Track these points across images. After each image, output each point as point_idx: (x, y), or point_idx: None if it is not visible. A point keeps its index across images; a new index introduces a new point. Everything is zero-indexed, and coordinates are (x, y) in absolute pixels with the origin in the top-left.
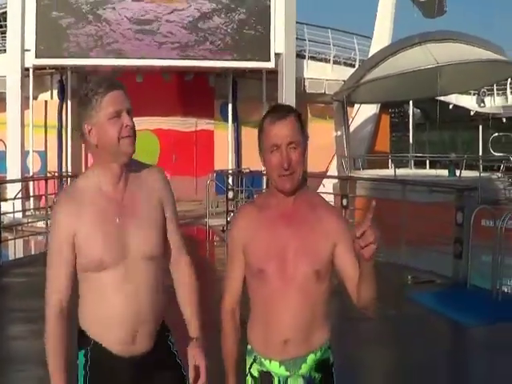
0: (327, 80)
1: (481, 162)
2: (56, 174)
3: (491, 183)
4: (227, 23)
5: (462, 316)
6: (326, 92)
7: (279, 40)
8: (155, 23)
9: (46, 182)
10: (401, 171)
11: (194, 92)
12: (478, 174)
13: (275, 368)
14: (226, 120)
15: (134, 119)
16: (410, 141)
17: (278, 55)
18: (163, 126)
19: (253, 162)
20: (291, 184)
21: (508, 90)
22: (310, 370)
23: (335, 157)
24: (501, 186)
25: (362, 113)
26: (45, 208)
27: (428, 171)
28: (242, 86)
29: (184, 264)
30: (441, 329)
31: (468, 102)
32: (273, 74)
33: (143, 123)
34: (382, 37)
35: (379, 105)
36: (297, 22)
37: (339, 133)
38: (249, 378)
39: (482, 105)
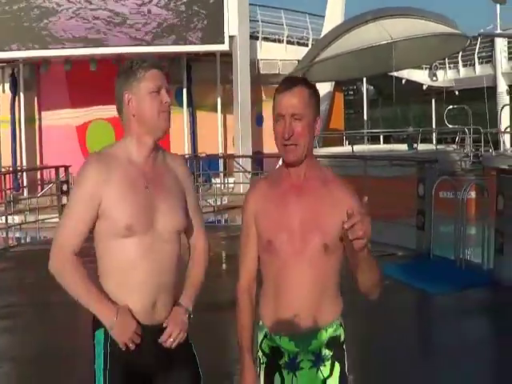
0: (281, 60)
1: (436, 134)
2: (11, 169)
3: (447, 155)
4: (179, 7)
5: (428, 285)
6: (281, 72)
7: (233, 22)
8: (104, 10)
9: (2, 177)
10: (358, 147)
11: None
12: (434, 147)
13: (285, 343)
14: (181, 105)
15: (89, 108)
16: (365, 117)
17: (231, 37)
18: (117, 114)
19: (209, 146)
20: (294, 155)
21: (460, 63)
22: (321, 347)
23: None
24: (457, 157)
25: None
26: (2, 203)
27: (384, 146)
28: (196, 70)
29: (199, 246)
30: (408, 298)
31: (420, 76)
32: (226, 56)
33: (97, 112)
34: (334, 15)
35: (333, 83)
36: (249, 4)
37: None
38: (260, 354)
39: (435, 79)
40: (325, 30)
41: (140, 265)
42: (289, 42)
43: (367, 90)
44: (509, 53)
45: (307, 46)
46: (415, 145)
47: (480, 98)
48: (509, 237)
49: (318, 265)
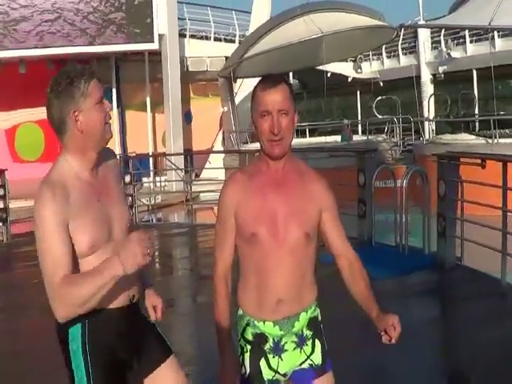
0: (209, 57)
1: (367, 125)
2: None
3: (379, 145)
4: (108, 8)
5: (372, 270)
6: (208, 69)
7: (162, 21)
8: (32, 12)
9: None
10: (294, 141)
11: None
12: (365, 138)
13: (269, 328)
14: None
15: (18, 112)
16: None
17: (161, 36)
18: (46, 117)
19: (139, 145)
20: (280, 149)
21: (384, 55)
22: (302, 328)
23: (220, 133)
24: (387, 147)
25: (245, 87)
26: None
27: (318, 139)
28: (124, 70)
29: None
30: None
31: (345, 69)
32: (155, 55)
33: (26, 115)
34: (260, 11)
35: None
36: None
37: (226, 109)
38: (243, 343)
39: (359, 71)
40: (252, 26)
41: None
42: (216, 39)
43: (293, 83)
44: (432, 43)
45: (234, 42)
46: (350, 136)
47: (404, 88)
48: (451, 220)
49: (299, 252)
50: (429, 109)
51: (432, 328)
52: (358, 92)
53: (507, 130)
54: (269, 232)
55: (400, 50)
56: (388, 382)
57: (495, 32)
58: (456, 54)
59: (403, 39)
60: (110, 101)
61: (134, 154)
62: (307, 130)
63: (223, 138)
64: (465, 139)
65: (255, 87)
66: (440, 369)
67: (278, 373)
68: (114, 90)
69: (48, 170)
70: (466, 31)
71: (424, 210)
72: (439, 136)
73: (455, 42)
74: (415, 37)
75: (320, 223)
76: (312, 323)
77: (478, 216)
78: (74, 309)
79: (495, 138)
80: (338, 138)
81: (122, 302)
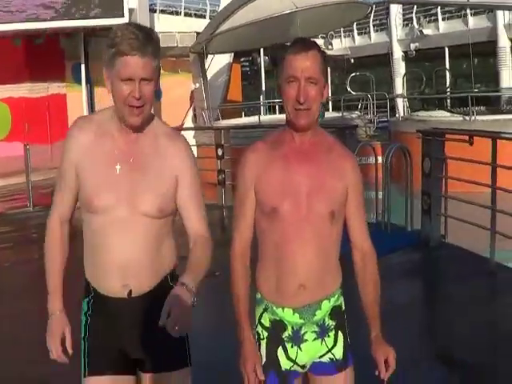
0: (179, 33)
1: (342, 102)
2: None
3: (353, 122)
4: None
5: None
6: (179, 45)
7: None
8: None
9: None
10: (264, 118)
11: (44, 56)
12: (337, 114)
13: (288, 316)
14: (79, 82)
15: None
16: (263, 88)
17: (131, 10)
18: (13, 94)
19: None
20: (306, 120)
21: (355, 32)
22: (324, 317)
23: (190, 110)
24: (361, 123)
25: (216, 63)
26: None
27: None
28: (93, 45)
29: (200, 240)
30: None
31: None
32: None
33: None
34: None
35: (232, 54)
36: None
37: (197, 85)
38: (259, 328)
39: (330, 47)
40: (223, 1)
41: (104, 245)
42: (186, 14)
43: (264, 60)
44: (403, 20)
45: (205, 17)
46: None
47: (375, 65)
48: (436, 198)
49: (322, 233)
50: (404, 85)
51: (419, 308)
52: (329, 68)
53: (482, 107)
54: (291, 207)
55: (371, 27)
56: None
57: (468, 9)
58: (428, 31)
59: (374, 16)
60: (79, 78)
61: None
62: (277, 107)
63: (194, 114)
64: (441, 116)
65: (285, 51)
66: (427, 349)
67: (297, 363)
68: (83, 66)
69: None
70: (438, 8)
71: (406, 187)
72: (415, 113)
73: (427, 19)
74: (387, 14)
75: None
76: (335, 313)
77: (460, 193)
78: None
79: (472, 114)
80: None
81: (115, 291)
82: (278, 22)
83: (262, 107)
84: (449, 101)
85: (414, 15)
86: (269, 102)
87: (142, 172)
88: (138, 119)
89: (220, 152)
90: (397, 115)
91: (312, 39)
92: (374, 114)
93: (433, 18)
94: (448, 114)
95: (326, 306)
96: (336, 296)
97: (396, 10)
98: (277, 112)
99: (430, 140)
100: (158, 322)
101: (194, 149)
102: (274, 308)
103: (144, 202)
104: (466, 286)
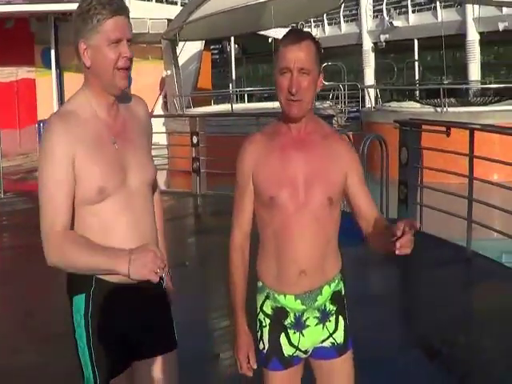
0: (151, 19)
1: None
2: None
3: (325, 112)
4: None
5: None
6: (150, 31)
7: None
8: None
9: None
10: (236, 106)
11: (13, 40)
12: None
13: (290, 302)
14: (49, 67)
15: None
16: (233, 76)
17: None
18: None
19: None
20: (298, 110)
21: (325, 22)
22: (325, 302)
23: (160, 97)
24: (333, 113)
25: (187, 51)
26: None
27: (265, 104)
28: (63, 30)
29: (157, 194)
30: None
31: None
32: None
33: None
34: None
35: (203, 42)
36: None
37: (169, 72)
38: (261, 316)
39: None
40: None
41: (117, 227)
42: (158, 1)
43: (235, 48)
44: (374, 12)
45: (177, 4)
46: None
47: (345, 55)
48: (412, 187)
49: (321, 219)
50: (375, 76)
51: (397, 296)
52: None
53: (452, 99)
54: (289, 195)
55: (341, 18)
56: (370, 345)
57: (437, 2)
58: (398, 23)
59: (345, 7)
60: (48, 63)
61: None
62: (246, 96)
63: (164, 102)
64: (412, 107)
65: (279, 42)
66: (405, 336)
67: (299, 349)
68: (53, 51)
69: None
70: (409, 0)
71: (381, 177)
72: (387, 103)
73: (397, 11)
74: (357, 5)
75: (345, 188)
76: (335, 297)
77: (436, 183)
78: (60, 264)
79: (444, 106)
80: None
81: (127, 280)
82: (251, 11)
83: (231, 96)
84: (417, 92)
85: (384, 7)
86: (240, 91)
87: (133, 143)
88: (127, 82)
89: (195, 140)
90: (367, 105)
91: (284, 28)
92: (344, 104)
93: (403, 10)
94: (418, 105)
95: (327, 291)
96: (336, 281)
97: (366, 2)
98: (245, 101)
99: (408, 130)
100: (157, 303)
101: (165, 136)
102: (276, 295)
103: (149, 171)
104: (443, 274)
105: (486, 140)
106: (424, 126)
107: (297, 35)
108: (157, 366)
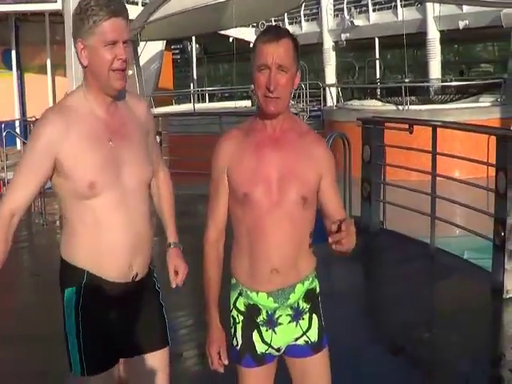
0: None
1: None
2: None
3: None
4: None
5: None
6: None
7: None
8: None
9: None
10: (198, 106)
11: None
12: None
13: (263, 300)
14: (9, 68)
15: None
16: (194, 76)
17: None
18: None
19: (38, 109)
20: (275, 107)
21: (286, 21)
22: (299, 300)
23: None
24: (294, 112)
25: (148, 51)
26: None
27: (227, 103)
28: (24, 31)
29: (163, 176)
30: None
31: (247, 34)
32: (55, 16)
33: None
34: None
35: (165, 42)
36: None
37: (130, 72)
38: (234, 313)
39: None
40: None
41: (112, 224)
42: None
43: (196, 48)
44: (334, 10)
45: (137, 4)
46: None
47: (305, 54)
48: (376, 185)
49: (295, 218)
50: (337, 75)
51: (361, 293)
52: None
53: (413, 97)
54: (262, 193)
55: (302, 17)
56: (345, 343)
57: (398, 1)
58: (359, 21)
59: (306, 6)
60: (9, 63)
61: (34, 119)
62: (207, 96)
63: None
64: (373, 105)
65: (256, 38)
66: (370, 333)
67: (272, 347)
68: (14, 52)
69: None
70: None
71: (344, 174)
72: (348, 102)
73: (358, 9)
74: (318, 4)
75: (318, 188)
76: (309, 295)
77: (398, 181)
78: None
79: (406, 104)
80: (243, 103)
81: (121, 276)
82: (211, 11)
83: (192, 96)
84: (379, 90)
85: (345, 6)
86: (201, 90)
87: (131, 142)
88: (123, 82)
89: (158, 139)
90: (329, 104)
91: (245, 27)
92: (306, 102)
93: (363, 8)
94: (380, 103)
95: (300, 289)
96: (310, 279)
97: (327, 1)
98: (207, 100)
99: (370, 128)
100: (149, 302)
101: None
102: (249, 292)
103: (145, 170)
104: (407, 271)
105: (447, 137)
106: (387, 124)
107: (275, 32)
108: (149, 363)
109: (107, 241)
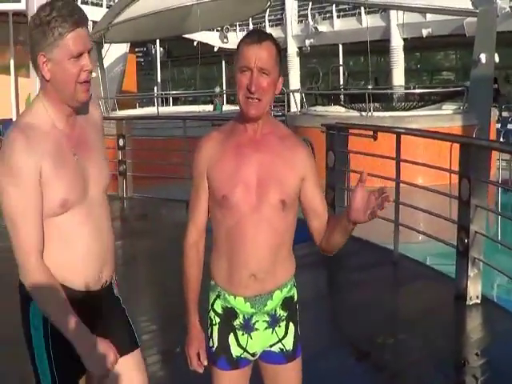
0: None
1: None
2: None
3: None
4: None
5: None
6: None
7: None
8: None
9: None
10: (162, 109)
11: None
12: (233, 107)
13: (240, 304)
14: None
15: None
16: (158, 79)
17: None
18: None
19: (1, 110)
20: (256, 111)
21: (250, 26)
22: (276, 307)
23: None
24: None
25: (112, 53)
26: None
27: (190, 107)
28: None
29: None
30: None
31: (211, 38)
32: (18, 16)
33: None
34: None
35: (129, 44)
36: None
37: (94, 74)
38: (212, 314)
39: (226, 40)
40: None
41: (81, 236)
42: (83, 2)
43: (160, 51)
44: (299, 16)
45: (102, 6)
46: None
47: None
48: (340, 191)
49: (274, 222)
50: (300, 80)
51: (325, 299)
52: (224, 62)
53: (376, 104)
54: (242, 195)
55: (267, 22)
56: (320, 355)
57: (362, 8)
58: (323, 28)
59: (270, 11)
60: None
61: None
62: (171, 99)
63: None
64: (337, 111)
65: (240, 41)
66: (333, 338)
67: (247, 351)
68: None
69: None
70: (333, 6)
71: None
72: (312, 107)
73: (322, 16)
74: (282, 9)
75: (302, 192)
76: (287, 303)
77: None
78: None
79: (369, 111)
80: (206, 107)
81: (92, 285)
82: (176, 15)
83: (156, 99)
84: (342, 97)
85: (309, 12)
86: (165, 94)
87: (92, 152)
88: (88, 94)
89: (121, 142)
90: (293, 110)
91: (209, 31)
92: (270, 108)
93: (328, 15)
94: (344, 109)
95: (278, 296)
96: (288, 287)
97: (291, 6)
98: (170, 104)
99: (334, 134)
100: (115, 308)
101: None
102: (227, 296)
103: (105, 177)
104: (371, 277)
105: (409, 144)
106: (351, 130)
107: (258, 35)
108: (126, 366)
109: (75, 254)
